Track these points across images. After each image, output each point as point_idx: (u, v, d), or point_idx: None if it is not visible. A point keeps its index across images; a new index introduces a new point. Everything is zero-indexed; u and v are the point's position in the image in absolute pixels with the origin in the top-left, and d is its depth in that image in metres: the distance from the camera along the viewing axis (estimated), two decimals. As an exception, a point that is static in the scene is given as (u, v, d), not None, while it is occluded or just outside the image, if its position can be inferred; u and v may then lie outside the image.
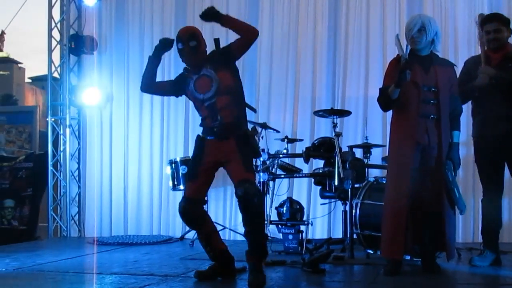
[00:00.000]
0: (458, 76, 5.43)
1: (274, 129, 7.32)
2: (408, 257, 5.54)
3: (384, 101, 5.14)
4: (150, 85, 5.30)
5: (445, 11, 7.74)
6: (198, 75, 5.02)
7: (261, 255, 4.97)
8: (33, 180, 9.42)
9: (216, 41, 5.11)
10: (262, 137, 7.18)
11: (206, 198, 5.25)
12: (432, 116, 5.05)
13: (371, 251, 6.02)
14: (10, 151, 15.26)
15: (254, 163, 5.43)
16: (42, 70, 57.87)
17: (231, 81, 5.04)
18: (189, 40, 4.98)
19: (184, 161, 7.63)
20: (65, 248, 7.49)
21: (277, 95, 8.25)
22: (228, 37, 5.69)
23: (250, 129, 5.24)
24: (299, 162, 7.31)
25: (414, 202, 5.04)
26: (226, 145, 4.94)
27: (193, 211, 5.06)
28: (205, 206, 6.19)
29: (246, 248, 5.00)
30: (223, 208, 8.29)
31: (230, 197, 8.34)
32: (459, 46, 7.66)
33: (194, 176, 5.07)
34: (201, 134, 5.11)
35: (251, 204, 4.74)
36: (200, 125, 5.15)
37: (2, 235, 9.03)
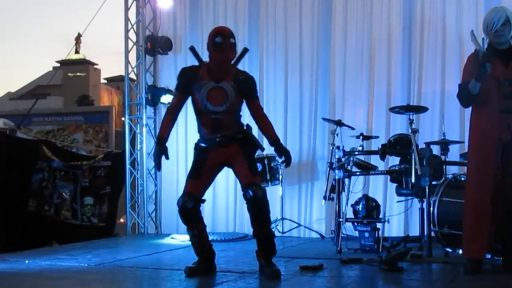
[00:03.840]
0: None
1: (349, 126, 7.29)
2: (489, 256, 5.41)
3: (465, 97, 5.03)
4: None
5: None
6: (216, 85, 5.05)
7: (270, 253, 5.11)
8: (112, 178, 9.64)
9: (245, 50, 5.30)
10: (337, 134, 7.16)
11: (204, 198, 5.31)
12: (513, 111, 4.92)
13: (450, 250, 5.91)
14: (88, 150, 15.68)
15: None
16: (116, 71, 59.19)
17: (238, 106, 5.19)
18: (230, 37, 5.05)
19: (258, 159, 7.64)
20: (143, 245, 7.63)
21: (351, 92, 8.18)
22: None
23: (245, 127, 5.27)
24: (374, 159, 7.26)
25: (496, 199, 4.91)
26: (230, 149, 5.13)
27: (193, 207, 5.15)
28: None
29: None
30: (298, 206, 8.29)
31: (304, 195, 8.34)
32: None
33: (196, 175, 5.19)
34: (200, 143, 5.28)
35: (259, 204, 5.04)
36: (199, 131, 5.27)
37: (82, 232, 9.28)
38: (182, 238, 8.04)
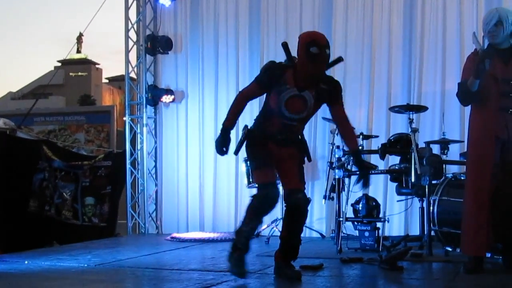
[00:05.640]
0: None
1: (349, 126, 7.27)
2: (489, 255, 5.40)
3: (464, 95, 5.04)
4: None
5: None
6: (298, 93, 4.77)
7: (292, 258, 5.01)
8: (112, 178, 9.63)
9: (340, 59, 5.04)
10: (337, 134, 7.15)
11: None
12: (511, 110, 4.92)
13: (450, 249, 5.90)
14: (89, 150, 15.65)
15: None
16: (119, 71, 59.24)
17: (313, 114, 5.04)
18: (326, 47, 4.73)
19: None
20: (144, 245, 7.63)
21: (351, 91, 8.15)
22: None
23: None
24: (375, 159, 7.25)
25: (495, 197, 4.91)
26: (286, 149, 4.95)
27: (278, 195, 4.98)
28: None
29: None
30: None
31: (310, 195, 8.33)
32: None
33: (269, 163, 4.90)
34: (257, 131, 4.97)
35: (300, 212, 4.89)
36: (261, 122, 4.99)
37: (83, 232, 9.27)
38: (182, 238, 8.06)
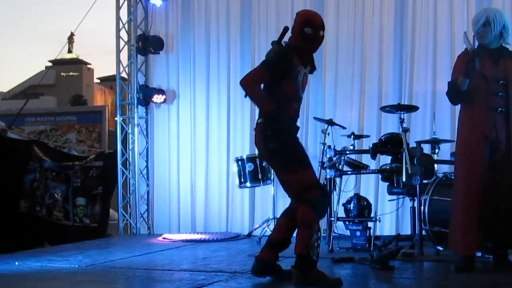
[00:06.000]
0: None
1: (340, 126, 7.28)
2: (479, 254, 5.41)
3: (454, 94, 5.06)
4: None
5: (516, 2, 7.51)
6: (305, 71, 4.82)
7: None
8: (104, 179, 9.61)
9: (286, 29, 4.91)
10: (328, 134, 7.16)
11: None
12: (500, 109, 4.95)
13: (441, 248, 5.92)
14: (81, 150, 15.63)
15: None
16: (110, 70, 59.09)
17: None
18: (321, 29, 4.77)
19: (250, 159, 7.67)
20: (135, 245, 7.62)
21: (343, 91, 8.18)
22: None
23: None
24: (366, 158, 7.26)
25: (485, 197, 4.93)
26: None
27: None
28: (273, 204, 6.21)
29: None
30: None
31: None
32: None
33: (310, 163, 4.73)
34: (292, 130, 4.78)
35: None
36: (290, 117, 4.73)
37: (74, 232, 9.25)
38: (174, 238, 8.05)
